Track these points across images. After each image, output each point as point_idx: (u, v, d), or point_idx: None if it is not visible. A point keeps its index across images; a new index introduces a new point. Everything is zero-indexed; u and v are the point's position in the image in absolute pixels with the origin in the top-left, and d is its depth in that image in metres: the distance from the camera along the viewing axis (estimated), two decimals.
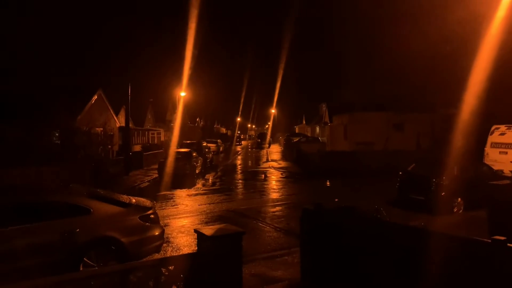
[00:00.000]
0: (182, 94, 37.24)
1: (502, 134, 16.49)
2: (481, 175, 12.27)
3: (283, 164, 30.35)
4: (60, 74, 25.74)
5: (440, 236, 4.24)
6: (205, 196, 15.88)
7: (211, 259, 4.76)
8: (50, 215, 6.36)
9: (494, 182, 8.41)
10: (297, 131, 64.96)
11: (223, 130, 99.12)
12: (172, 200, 14.99)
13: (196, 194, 16.34)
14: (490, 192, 10.50)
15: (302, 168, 25.43)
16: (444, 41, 25.33)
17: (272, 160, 34.30)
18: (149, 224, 7.08)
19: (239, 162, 34.99)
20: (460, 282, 3.94)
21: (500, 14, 13.86)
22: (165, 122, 48.74)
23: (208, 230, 4.89)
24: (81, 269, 6.21)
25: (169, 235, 9.58)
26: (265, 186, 18.97)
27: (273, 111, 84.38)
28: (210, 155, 31.03)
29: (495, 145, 16.70)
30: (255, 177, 22.17)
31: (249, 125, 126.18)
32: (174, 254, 8.23)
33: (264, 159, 36.17)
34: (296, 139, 43.16)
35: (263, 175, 22.81)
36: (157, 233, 7.17)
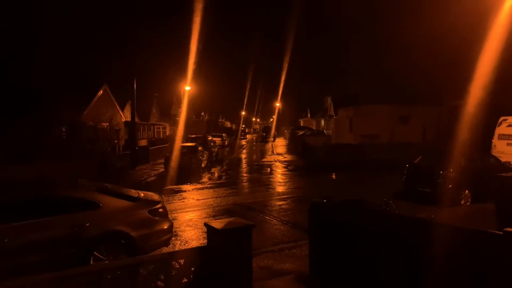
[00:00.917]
0: (187, 88, 37.27)
1: (510, 125, 16.35)
2: (489, 167, 12.21)
3: (288, 157, 30.36)
4: (66, 70, 25.78)
5: (451, 229, 4.23)
6: (212, 189, 15.94)
7: (221, 253, 4.80)
8: (60, 209, 6.43)
9: (502, 174, 8.35)
10: (302, 124, 64.78)
11: (228, 124, 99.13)
12: (179, 194, 15.07)
13: (203, 188, 16.41)
14: (498, 184, 10.46)
15: (308, 161, 25.43)
16: (450, 32, 25.10)
17: (277, 154, 34.31)
18: (157, 218, 7.13)
19: (244, 156, 35.03)
20: (472, 275, 3.94)
21: (508, 4, 13.68)
22: (170, 116, 48.83)
23: (218, 224, 4.93)
24: (91, 263, 6.29)
25: (177, 229, 9.64)
26: (271, 179, 19.00)
27: (277, 104, 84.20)
28: (216, 149, 31.10)
29: (502, 136, 16.57)
30: (260, 171, 22.20)
31: (253, 119, 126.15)
32: (183, 248, 8.30)
33: (269, 153, 36.19)
34: (301, 133, 43.09)
35: (268, 169, 22.85)
36: (165, 227, 7.23)
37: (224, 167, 24.74)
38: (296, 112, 78.40)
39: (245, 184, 17.90)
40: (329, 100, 50.12)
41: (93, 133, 20.59)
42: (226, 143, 46.20)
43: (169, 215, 7.85)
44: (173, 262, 4.67)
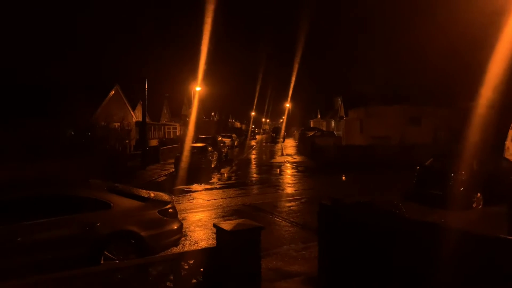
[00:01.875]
0: (198, 89, 37.42)
1: None
2: (501, 170, 12.05)
3: (298, 158, 30.31)
4: (78, 70, 26.12)
5: (461, 234, 4.19)
6: (221, 190, 15.99)
7: (230, 254, 4.81)
8: (72, 209, 6.51)
9: None
10: (312, 125, 64.59)
11: (238, 124, 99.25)
12: (188, 194, 15.15)
13: (212, 188, 16.46)
14: (510, 187, 10.31)
15: (317, 162, 25.35)
16: (462, 33, 24.81)
17: (287, 155, 34.27)
18: (167, 218, 7.18)
19: (253, 156, 35.05)
20: (484, 282, 3.89)
21: None
22: (180, 116, 49.10)
23: (227, 225, 4.94)
24: (102, 262, 6.36)
25: (187, 229, 9.70)
26: (280, 180, 18.99)
27: (287, 105, 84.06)
28: (225, 149, 31.18)
29: None
30: (270, 172, 22.20)
31: (263, 119, 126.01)
32: (192, 248, 8.34)
33: (279, 153, 36.16)
34: (311, 133, 42.98)
35: (278, 170, 22.83)
36: (175, 227, 7.27)
37: (234, 168, 24.79)
38: (306, 113, 78.24)
39: (255, 184, 17.91)
40: (339, 101, 49.91)
41: (104, 133, 20.81)
42: (235, 143, 46.29)
43: (178, 215, 7.90)
44: (183, 263, 4.70)
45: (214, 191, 15.79)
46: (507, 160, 13.44)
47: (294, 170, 22.78)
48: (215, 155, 24.23)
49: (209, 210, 12.40)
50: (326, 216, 5.94)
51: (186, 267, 4.70)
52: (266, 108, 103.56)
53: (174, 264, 4.65)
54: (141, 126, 25.52)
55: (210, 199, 14.21)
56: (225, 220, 8.81)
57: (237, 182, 18.63)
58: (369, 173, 19.55)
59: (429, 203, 11.83)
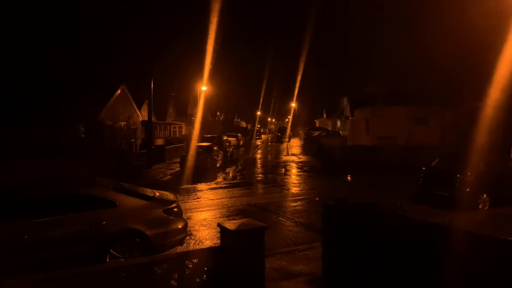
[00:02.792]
0: (203, 88, 37.51)
1: None
2: (508, 171, 11.96)
3: (303, 158, 30.27)
4: (85, 70, 26.25)
5: (467, 235, 4.18)
6: (226, 189, 16.03)
7: (234, 253, 4.84)
8: (78, 207, 6.57)
9: None
10: (317, 125, 64.50)
11: (243, 124, 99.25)
12: (193, 193, 15.20)
13: (217, 188, 16.51)
14: None
15: (323, 162, 25.32)
16: (470, 33, 24.65)
17: (292, 154, 34.24)
18: (172, 217, 7.22)
19: (259, 156, 35.07)
20: (490, 284, 3.88)
21: None
22: (186, 116, 49.20)
23: (231, 225, 4.97)
24: (107, 260, 6.41)
25: (192, 228, 9.74)
26: (286, 180, 18.99)
27: (293, 105, 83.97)
28: (231, 149, 31.21)
29: None
30: (275, 171, 22.21)
31: (269, 119, 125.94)
32: (197, 247, 8.38)
33: (284, 153, 36.15)
34: (316, 133, 42.91)
35: (283, 169, 22.83)
36: (180, 226, 7.31)
37: (239, 167, 24.83)
38: (312, 112, 78.00)
39: (260, 184, 17.92)
40: (345, 101, 49.76)
41: (111, 132, 20.92)
42: (241, 143, 46.33)
43: (183, 214, 7.94)
44: (187, 262, 4.73)
45: (219, 191, 15.83)
46: None
47: (299, 170, 22.76)
48: (220, 155, 24.27)
49: (214, 209, 12.44)
50: (330, 217, 5.95)
51: (191, 266, 4.73)
52: (271, 107, 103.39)
53: (178, 263, 4.68)
54: (147, 125, 25.64)
55: (215, 198, 14.25)
56: (229, 220, 8.85)
57: (242, 181, 18.66)
58: (374, 173, 19.49)
59: (435, 204, 11.77)
